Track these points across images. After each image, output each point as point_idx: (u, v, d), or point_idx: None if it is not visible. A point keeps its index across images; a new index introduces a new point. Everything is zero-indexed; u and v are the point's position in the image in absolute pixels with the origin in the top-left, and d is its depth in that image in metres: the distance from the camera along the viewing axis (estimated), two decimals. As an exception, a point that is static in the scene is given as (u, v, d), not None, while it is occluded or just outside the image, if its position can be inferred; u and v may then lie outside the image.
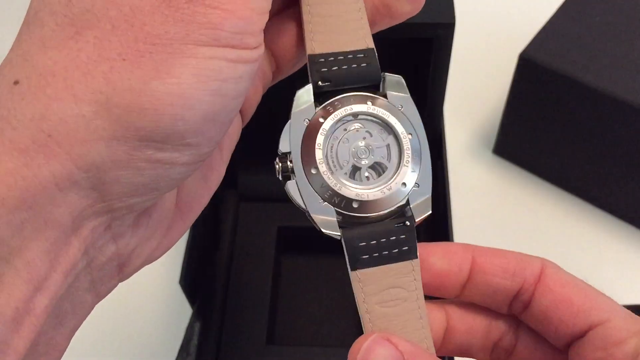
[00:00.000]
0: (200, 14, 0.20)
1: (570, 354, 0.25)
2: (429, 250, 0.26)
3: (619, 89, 0.47)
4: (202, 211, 0.52)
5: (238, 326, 0.46)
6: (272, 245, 0.50)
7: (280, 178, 0.26)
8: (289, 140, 0.25)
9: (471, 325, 0.27)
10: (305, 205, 0.25)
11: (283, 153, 0.26)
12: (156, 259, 0.26)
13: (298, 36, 0.27)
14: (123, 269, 0.24)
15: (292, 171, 0.25)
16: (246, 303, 0.47)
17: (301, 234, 0.51)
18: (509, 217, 0.56)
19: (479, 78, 0.65)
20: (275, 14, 0.28)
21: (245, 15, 0.21)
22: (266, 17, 0.22)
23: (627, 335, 0.24)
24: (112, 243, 0.23)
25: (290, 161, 0.25)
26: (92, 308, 0.24)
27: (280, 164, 0.26)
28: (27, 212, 0.19)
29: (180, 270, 0.44)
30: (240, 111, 0.28)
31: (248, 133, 0.52)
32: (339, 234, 0.25)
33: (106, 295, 0.24)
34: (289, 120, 0.25)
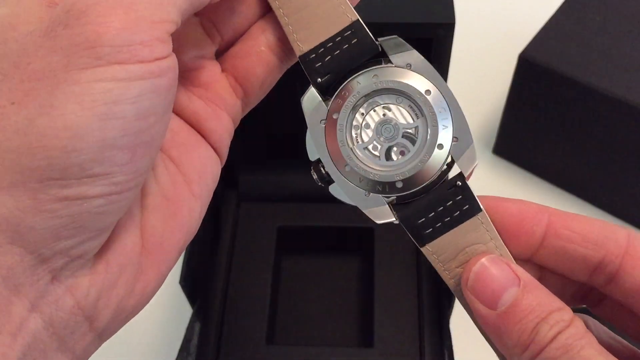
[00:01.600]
0: (77, 35, 0.19)
1: None
2: (499, 204, 0.25)
3: (619, 89, 0.47)
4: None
5: (238, 326, 0.46)
6: (272, 245, 0.50)
7: (323, 185, 0.25)
8: (314, 148, 0.25)
9: (563, 279, 0.25)
10: (355, 203, 0.25)
11: (314, 161, 0.25)
12: (135, 311, 0.25)
13: (260, 57, 0.26)
14: (94, 324, 0.23)
15: (329, 175, 0.25)
16: (246, 303, 0.47)
17: (301, 234, 0.51)
18: (509, 217, 0.56)
19: (479, 78, 0.65)
20: (240, 34, 0.27)
21: (128, 24, 0.20)
22: (171, 23, 0.21)
23: None
24: (67, 295, 0.21)
25: (323, 167, 0.25)
26: None
27: (315, 174, 0.25)
28: None
29: (180, 270, 0.44)
30: (213, 147, 0.26)
31: (248, 133, 0.52)
32: (394, 219, 0.24)
33: (87, 355, 0.23)
34: (307, 129, 0.25)
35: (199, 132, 0.26)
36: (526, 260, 0.25)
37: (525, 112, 0.55)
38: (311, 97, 0.25)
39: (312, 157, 0.25)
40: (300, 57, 0.25)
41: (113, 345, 0.51)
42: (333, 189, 0.25)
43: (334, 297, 0.49)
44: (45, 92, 0.19)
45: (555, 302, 0.22)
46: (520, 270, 0.23)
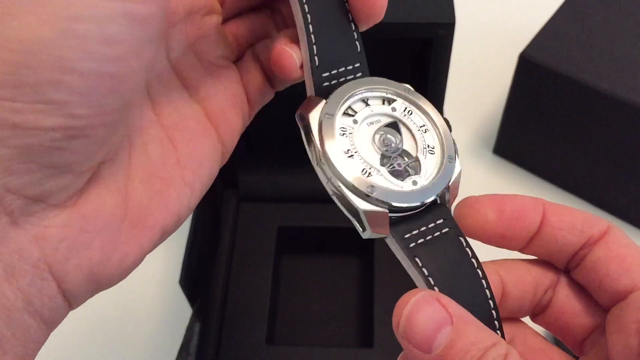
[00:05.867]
0: None
1: (609, 318, 0.24)
2: (498, 201, 0.26)
3: (619, 89, 0.47)
4: (202, 211, 0.52)
5: (238, 326, 0.46)
6: (272, 245, 0.50)
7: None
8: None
9: (523, 289, 0.26)
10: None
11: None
12: (110, 283, 0.23)
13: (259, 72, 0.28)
14: (62, 285, 0.21)
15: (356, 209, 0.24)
16: (246, 303, 0.47)
17: (301, 234, 0.51)
18: (509, 217, 0.56)
19: (479, 78, 0.65)
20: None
21: None
22: None
23: None
24: (33, 245, 0.20)
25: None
26: (44, 336, 0.21)
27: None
28: None
29: (180, 270, 0.44)
30: (222, 142, 0.27)
31: (248, 133, 0.52)
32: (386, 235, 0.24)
33: (56, 321, 0.21)
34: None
35: (213, 124, 0.27)
36: (521, 249, 0.26)
37: (525, 112, 0.55)
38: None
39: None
40: (313, 70, 0.26)
41: (113, 345, 0.51)
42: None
43: (334, 297, 0.49)
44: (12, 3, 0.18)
45: (490, 337, 0.21)
46: (451, 305, 0.22)
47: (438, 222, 0.24)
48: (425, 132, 0.26)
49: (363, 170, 0.24)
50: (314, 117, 0.25)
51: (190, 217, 0.48)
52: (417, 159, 0.25)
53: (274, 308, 0.49)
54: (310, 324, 0.49)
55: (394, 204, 0.23)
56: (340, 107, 0.25)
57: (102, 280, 0.22)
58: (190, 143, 0.25)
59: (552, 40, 0.51)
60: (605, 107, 0.48)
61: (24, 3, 0.18)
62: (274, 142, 0.52)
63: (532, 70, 0.50)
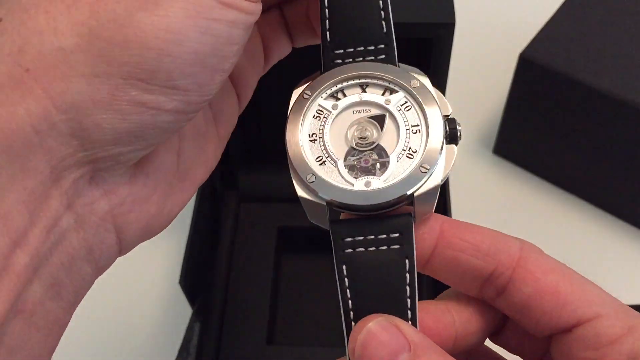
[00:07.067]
0: None
1: (552, 347, 0.23)
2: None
3: (619, 89, 0.47)
4: (202, 211, 0.52)
5: (238, 326, 0.46)
6: (272, 245, 0.50)
7: None
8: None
9: (475, 328, 0.24)
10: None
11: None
12: (156, 232, 0.24)
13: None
14: (121, 236, 0.22)
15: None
16: (246, 303, 0.47)
17: (301, 234, 0.51)
18: (509, 217, 0.56)
19: (479, 78, 0.65)
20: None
21: None
22: None
23: (621, 332, 0.21)
24: (103, 200, 0.21)
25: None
26: (92, 282, 0.22)
27: None
28: (1, 157, 0.18)
29: (180, 270, 0.44)
30: (237, 92, 0.27)
31: (248, 134, 0.52)
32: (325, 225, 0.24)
33: (106, 268, 0.23)
34: None
35: (231, 77, 0.27)
36: (420, 268, 0.24)
37: (525, 112, 0.55)
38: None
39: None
40: (324, 47, 0.25)
41: (113, 345, 0.51)
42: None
43: (334, 297, 0.49)
44: None
45: None
46: (410, 332, 0.21)
47: (392, 235, 0.22)
48: (415, 132, 0.23)
49: (318, 157, 0.23)
50: (295, 93, 0.24)
51: (190, 217, 0.48)
52: (388, 160, 0.23)
53: (274, 308, 0.49)
54: (310, 324, 0.49)
55: (329, 199, 0.22)
56: (326, 89, 0.24)
57: (152, 230, 0.24)
58: (222, 100, 0.27)
59: (552, 40, 0.51)
60: (605, 107, 0.48)
61: None
62: (274, 143, 0.52)
63: (532, 70, 0.50)
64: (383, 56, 0.24)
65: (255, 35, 0.28)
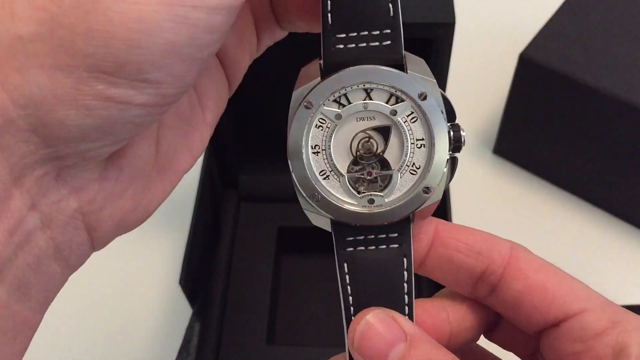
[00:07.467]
0: None
1: (542, 342, 0.24)
2: None
3: (619, 89, 0.47)
4: (202, 211, 0.52)
5: (238, 326, 0.46)
6: (272, 245, 0.50)
7: None
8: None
9: (469, 325, 0.25)
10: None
11: None
12: (133, 227, 0.23)
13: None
14: (93, 233, 0.21)
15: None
16: (246, 303, 0.47)
17: (301, 234, 0.51)
18: (509, 217, 0.56)
19: (479, 78, 0.65)
20: None
21: None
22: None
23: (607, 326, 0.22)
24: (71, 197, 0.20)
25: None
26: (64, 280, 0.21)
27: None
28: None
29: (180, 270, 0.44)
30: (227, 73, 0.25)
31: (248, 133, 0.52)
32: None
33: (78, 265, 0.21)
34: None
35: (220, 59, 0.25)
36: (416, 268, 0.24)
37: (525, 112, 0.55)
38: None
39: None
40: (324, 31, 0.23)
41: (113, 344, 0.51)
42: None
43: (334, 297, 0.49)
44: None
45: (444, 356, 0.21)
46: (406, 324, 0.22)
47: (391, 235, 0.23)
48: (420, 147, 0.23)
49: (322, 172, 0.23)
50: (296, 97, 0.23)
51: (190, 217, 0.48)
52: (391, 174, 0.23)
53: (274, 308, 0.49)
54: (310, 324, 0.49)
55: (334, 219, 0.23)
56: (329, 97, 0.23)
57: (128, 226, 0.22)
58: (208, 82, 0.25)
59: (552, 40, 0.51)
60: (605, 107, 0.48)
61: None
62: (274, 143, 0.52)
63: (532, 70, 0.50)
64: (388, 42, 0.22)
65: (246, 13, 0.25)
